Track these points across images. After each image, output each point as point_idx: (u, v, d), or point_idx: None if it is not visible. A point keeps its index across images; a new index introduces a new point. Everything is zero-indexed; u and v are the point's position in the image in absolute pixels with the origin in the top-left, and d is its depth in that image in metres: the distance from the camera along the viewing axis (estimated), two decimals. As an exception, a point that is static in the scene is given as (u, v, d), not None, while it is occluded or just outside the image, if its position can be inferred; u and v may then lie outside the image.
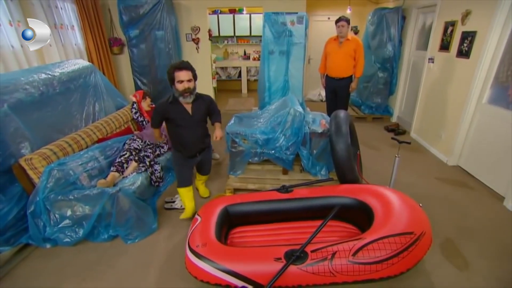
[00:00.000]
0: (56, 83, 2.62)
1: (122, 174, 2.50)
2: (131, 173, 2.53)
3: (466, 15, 3.11)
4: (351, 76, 3.86)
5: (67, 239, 2.15)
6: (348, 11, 5.59)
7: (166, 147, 3.04)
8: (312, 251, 1.59)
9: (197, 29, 5.05)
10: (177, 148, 2.36)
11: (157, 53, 4.63)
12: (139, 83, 4.76)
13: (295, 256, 1.55)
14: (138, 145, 2.73)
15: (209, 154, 2.62)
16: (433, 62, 3.78)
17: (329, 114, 3.46)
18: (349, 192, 2.17)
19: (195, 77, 2.17)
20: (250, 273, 1.54)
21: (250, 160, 2.83)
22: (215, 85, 6.06)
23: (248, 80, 7.26)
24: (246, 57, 7.33)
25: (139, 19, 4.41)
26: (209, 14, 5.77)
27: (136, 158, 2.62)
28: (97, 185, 2.27)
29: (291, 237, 2.06)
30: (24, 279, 1.94)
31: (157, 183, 2.70)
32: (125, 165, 2.54)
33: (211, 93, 5.48)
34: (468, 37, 3.08)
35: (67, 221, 2.14)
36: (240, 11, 6.82)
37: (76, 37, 4.03)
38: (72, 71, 2.89)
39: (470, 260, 2.02)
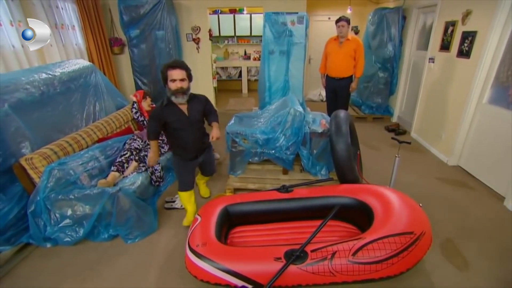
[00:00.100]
0: (56, 83, 2.63)
1: (123, 173, 2.51)
2: (132, 173, 2.54)
3: (466, 15, 3.11)
4: (351, 76, 3.86)
5: (67, 239, 2.16)
6: (349, 11, 5.59)
7: (166, 147, 3.04)
8: (312, 251, 1.59)
9: (197, 29, 5.05)
10: (176, 152, 2.30)
11: (158, 53, 4.64)
12: (139, 83, 4.76)
13: (295, 255, 1.55)
14: (138, 145, 2.73)
15: (210, 154, 2.54)
16: (433, 62, 3.78)
17: (329, 114, 3.46)
18: (349, 192, 2.17)
19: (189, 77, 2.09)
20: (250, 272, 1.54)
21: (250, 160, 2.84)
22: (215, 85, 6.06)
23: (248, 80, 7.26)
24: (247, 57, 7.33)
25: (140, 19, 4.41)
26: (210, 14, 5.78)
27: (137, 158, 2.63)
28: (97, 184, 2.28)
29: (291, 237, 2.06)
30: (25, 278, 1.94)
31: (157, 183, 2.71)
32: (125, 165, 2.54)
33: (211, 93, 5.48)
34: (469, 37, 3.08)
35: (67, 221, 2.14)
36: (241, 11, 6.83)
37: (76, 37, 4.04)
38: (72, 71, 2.89)
39: (470, 260, 2.02)
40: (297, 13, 3.94)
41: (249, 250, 1.71)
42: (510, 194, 2.59)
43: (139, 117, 3.24)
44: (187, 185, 2.33)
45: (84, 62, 3.21)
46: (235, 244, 2.02)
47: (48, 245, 2.19)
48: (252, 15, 6.84)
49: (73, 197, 2.09)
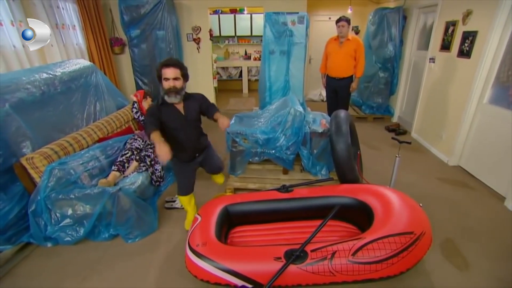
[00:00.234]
0: (57, 82, 2.63)
1: (123, 173, 2.51)
2: (132, 173, 2.54)
3: (467, 15, 3.11)
4: (352, 76, 3.86)
5: (68, 238, 2.16)
6: (349, 11, 5.59)
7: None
8: (312, 251, 1.59)
9: (198, 29, 5.06)
10: (173, 154, 2.14)
11: (158, 53, 4.65)
12: (140, 82, 4.77)
13: (295, 255, 1.55)
14: (139, 145, 2.74)
15: (210, 152, 2.43)
16: (434, 62, 3.78)
17: (329, 114, 3.46)
18: (349, 192, 2.17)
19: (185, 76, 2.01)
20: (250, 272, 1.54)
21: (250, 159, 2.84)
22: (216, 85, 6.07)
23: (249, 80, 7.26)
24: (247, 57, 7.33)
25: (140, 19, 4.42)
26: (210, 14, 5.79)
27: (137, 157, 2.63)
28: (98, 184, 2.28)
29: (291, 237, 2.06)
30: (25, 277, 1.95)
31: (157, 183, 2.71)
32: (126, 165, 2.55)
33: (212, 93, 5.49)
34: (469, 37, 3.08)
35: (68, 220, 2.14)
36: (241, 11, 6.83)
37: (77, 37, 4.05)
38: (73, 71, 2.89)
39: (470, 260, 2.02)
40: (297, 13, 3.95)
41: (249, 250, 1.71)
42: (511, 194, 2.58)
43: (140, 117, 3.24)
44: (186, 189, 2.28)
45: (85, 62, 3.22)
46: (235, 244, 2.03)
47: (49, 244, 2.19)
48: (253, 15, 6.85)
49: (73, 196, 2.09)
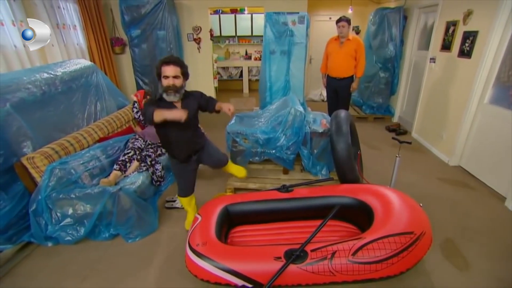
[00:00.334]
0: (58, 82, 2.64)
1: (124, 173, 2.52)
2: (133, 172, 2.55)
3: (467, 15, 3.10)
4: (352, 76, 3.86)
5: (68, 238, 2.17)
6: (350, 11, 5.59)
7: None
8: (312, 251, 1.59)
9: (198, 29, 5.06)
10: (170, 153, 2.19)
11: (159, 53, 4.65)
12: (140, 82, 4.78)
13: (295, 255, 1.55)
14: (140, 144, 2.74)
15: (209, 149, 2.35)
16: (434, 62, 3.77)
17: (330, 114, 3.46)
18: (349, 191, 2.17)
19: (185, 74, 1.96)
20: (250, 272, 1.54)
21: (250, 159, 2.84)
22: (216, 85, 6.08)
23: (249, 80, 7.27)
24: (248, 57, 7.33)
25: (141, 19, 4.43)
26: (211, 14, 5.80)
27: (138, 157, 2.63)
28: (100, 183, 2.28)
29: (291, 237, 2.06)
30: (26, 277, 1.95)
31: (158, 183, 2.71)
32: (128, 164, 2.55)
33: (212, 93, 5.49)
34: (470, 37, 3.07)
35: (68, 220, 2.15)
36: (242, 11, 6.83)
37: (78, 37, 4.06)
38: (74, 71, 2.90)
39: (470, 260, 2.02)
40: (298, 13, 3.95)
41: (249, 250, 1.71)
42: (511, 194, 2.58)
43: (140, 117, 3.25)
44: (185, 191, 2.27)
45: (86, 62, 3.22)
46: (235, 244, 2.03)
47: (49, 244, 2.20)
48: (253, 15, 6.85)
49: (74, 196, 2.10)
